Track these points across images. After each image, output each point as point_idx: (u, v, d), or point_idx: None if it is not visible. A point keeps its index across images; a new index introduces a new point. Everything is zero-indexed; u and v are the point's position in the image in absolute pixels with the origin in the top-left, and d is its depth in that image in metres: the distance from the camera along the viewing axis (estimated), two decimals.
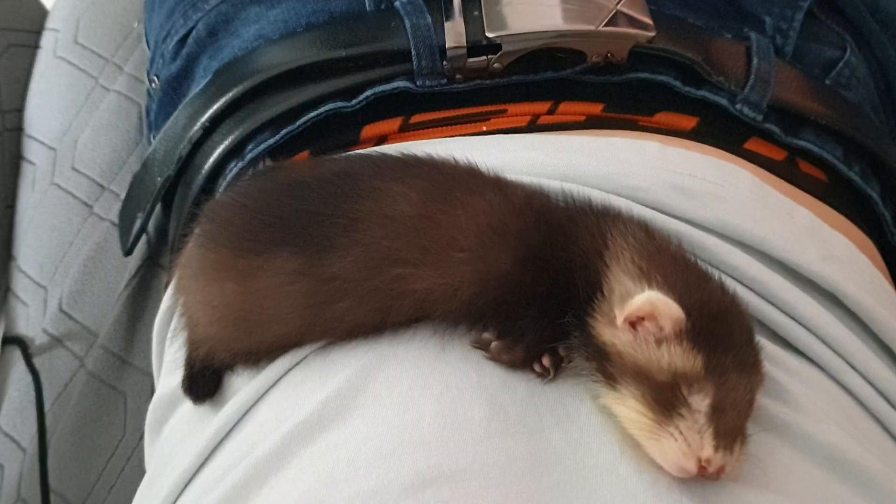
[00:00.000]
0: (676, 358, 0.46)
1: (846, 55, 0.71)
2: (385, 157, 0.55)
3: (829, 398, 0.54)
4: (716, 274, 0.52)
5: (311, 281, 0.51)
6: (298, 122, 0.63)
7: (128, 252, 0.73)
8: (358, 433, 0.48)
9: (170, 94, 0.73)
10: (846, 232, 0.64)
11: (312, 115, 0.63)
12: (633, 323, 0.48)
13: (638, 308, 0.47)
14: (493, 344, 0.51)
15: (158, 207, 0.74)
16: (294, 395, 0.52)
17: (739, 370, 0.47)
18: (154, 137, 0.74)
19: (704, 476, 0.45)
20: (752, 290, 0.55)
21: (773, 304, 0.55)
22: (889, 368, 0.56)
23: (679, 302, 0.47)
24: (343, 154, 0.59)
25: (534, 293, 0.50)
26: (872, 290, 0.61)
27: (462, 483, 0.45)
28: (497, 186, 0.53)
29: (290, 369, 0.53)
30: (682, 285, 0.48)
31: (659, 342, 0.47)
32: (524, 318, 0.50)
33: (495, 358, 0.51)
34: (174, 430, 0.59)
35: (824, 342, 0.55)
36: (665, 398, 0.46)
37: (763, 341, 0.53)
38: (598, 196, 0.55)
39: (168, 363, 0.62)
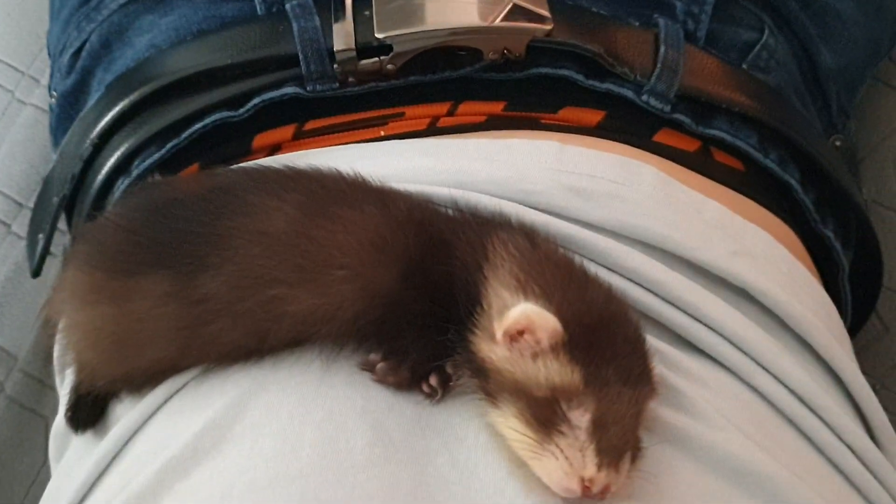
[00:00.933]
0: (554, 372, 0.44)
1: (764, 37, 0.68)
2: (263, 171, 0.53)
3: (736, 402, 0.51)
4: (606, 279, 0.50)
5: (183, 303, 0.49)
6: (184, 135, 0.61)
7: (35, 274, 0.71)
8: (233, 466, 0.46)
9: (67, 109, 0.71)
10: (764, 223, 0.62)
11: (198, 126, 0.60)
12: (513, 337, 0.45)
13: (513, 321, 0.45)
14: (379, 365, 0.48)
15: (65, 226, 0.72)
16: (171, 425, 0.49)
17: (622, 382, 0.44)
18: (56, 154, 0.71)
19: (589, 497, 0.43)
20: (652, 292, 0.53)
21: (675, 305, 0.53)
22: (802, 366, 0.54)
23: (557, 313, 0.45)
24: (222, 168, 0.57)
25: (415, 310, 0.48)
26: (789, 283, 0.58)
27: None
28: (379, 198, 0.51)
29: (170, 397, 0.51)
30: (562, 295, 0.46)
31: (535, 356, 0.44)
32: (407, 336, 0.48)
33: (381, 380, 0.48)
34: (67, 459, 0.57)
35: (731, 343, 0.53)
36: (545, 415, 0.43)
37: (662, 346, 0.51)
38: (489, 203, 0.53)
39: (65, 389, 0.60)
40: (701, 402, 0.49)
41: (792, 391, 0.53)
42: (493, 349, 0.45)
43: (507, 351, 0.45)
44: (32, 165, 0.87)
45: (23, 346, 0.81)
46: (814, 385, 0.54)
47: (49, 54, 0.78)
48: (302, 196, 0.50)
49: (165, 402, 0.51)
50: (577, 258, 0.50)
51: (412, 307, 0.48)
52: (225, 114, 0.60)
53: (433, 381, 0.48)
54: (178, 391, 0.51)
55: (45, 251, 0.69)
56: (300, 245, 0.48)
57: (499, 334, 0.45)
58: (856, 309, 0.72)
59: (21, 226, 0.86)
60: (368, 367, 0.49)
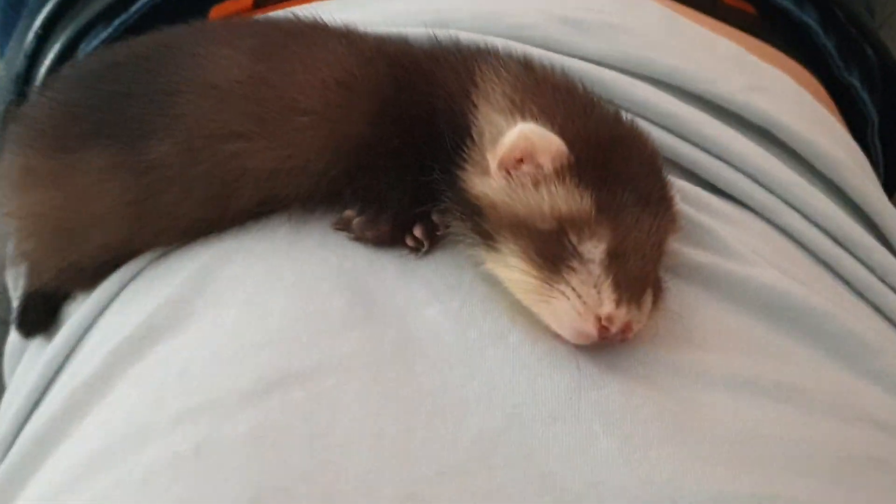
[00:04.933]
0: (560, 199, 0.38)
1: None
2: (211, 24, 0.47)
3: (765, 240, 0.45)
4: (613, 105, 0.43)
5: (130, 173, 0.43)
6: (132, 10, 0.55)
7: None
8: (192, 341, 0.40)
9: (11, 15, 0.64)
10: (783, 67, 0.55)
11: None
12: (511, 166, 0.39)
13: (511, 145, 0.38)
14: (356, 221, 0.42)
15: None
16: (126, 311, 0.43)
17: (641, 206, 0.38)
18: None
19: (608, 339, 0.36)
20: (663, 126, 0.46)
21: (690, 141, 0.46)
22: (836, 205, 0.47)
23: (560, 132, 0.38)
24: (167, 28, 0.50)
25: (393, 150, 0.42)
26: (813, 124, 0.52)
27: (315, 381, 0.37)
28: (343, 36, 0.44)
29: (125, 285, 0.45)
30: (564, 114, 0.39)
31: (537, 183, 0.38)
32: (385, 182, 0.42)
33: (360, 237, 0.42)
34: (19, 371, 0.51)
35: (755, 180, 0.46)
36: (551, 250, 0.37)
37: (680, 183, 0.44)
38: (475, 38, 0.46)
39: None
40: (728, 238, 0.43)
41: (825, 230, 0.46)
42: (488, 182, 0.39)
43: (505, 181, 0.39)
44: None
45: None
46: (849, 223, 0.47)
47: None
48: (255, 40, 0.44)
49: (120, 291, 0.45)
50: (579, 81, 0.43)
51: (388, 148, 0.42)
52: None
53: (418, 231, 0.41)
54: (133, 278, 0.45)
55: None
56: (257, 93, 0.42)
57: (494, 164, 0.39)
58: (888, 169, 0.65)
59: None
60: (344, 225, 0.42)
